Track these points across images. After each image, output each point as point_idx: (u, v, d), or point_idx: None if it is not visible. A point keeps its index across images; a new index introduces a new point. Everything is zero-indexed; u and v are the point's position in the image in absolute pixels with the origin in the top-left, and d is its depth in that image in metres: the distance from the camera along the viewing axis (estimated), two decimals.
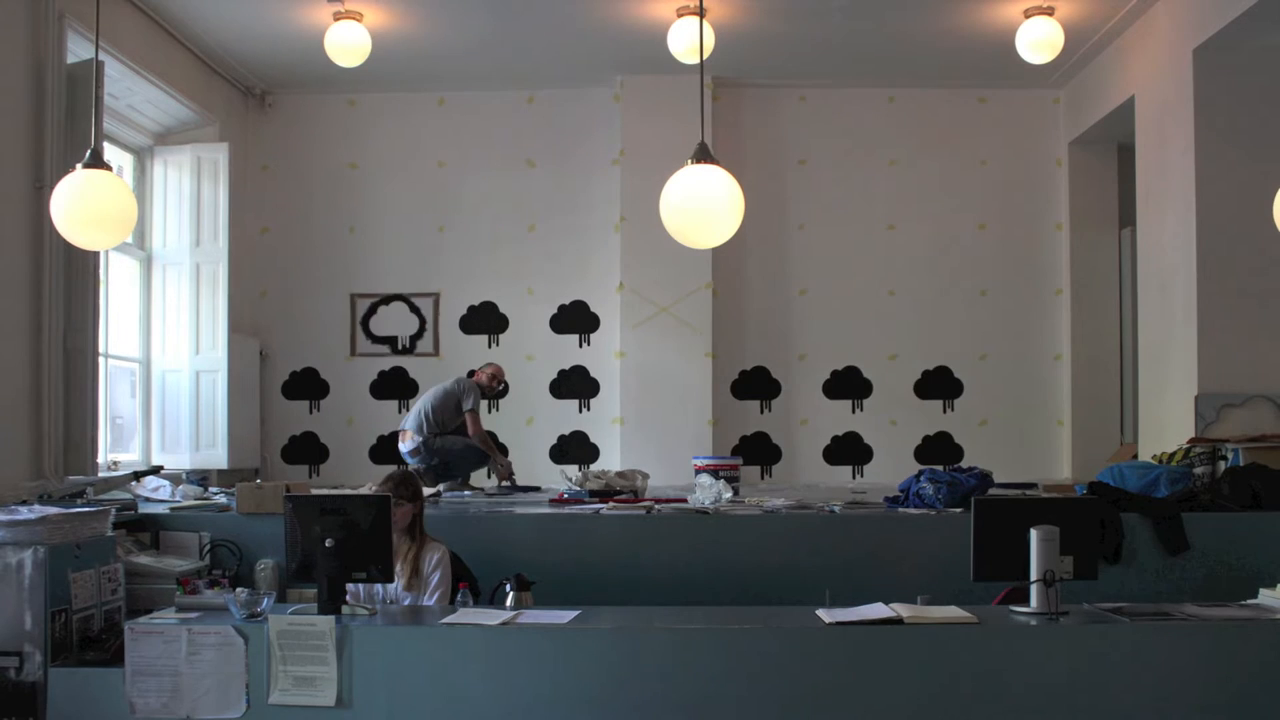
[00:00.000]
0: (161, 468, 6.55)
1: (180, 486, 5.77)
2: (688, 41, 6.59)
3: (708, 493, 5.26)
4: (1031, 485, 6.26)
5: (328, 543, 3.45)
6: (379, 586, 4.02)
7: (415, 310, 8.38)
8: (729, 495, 5.31)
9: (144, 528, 4.80)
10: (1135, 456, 6.76)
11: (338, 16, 6.80)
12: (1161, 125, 6.76)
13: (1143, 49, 6.98)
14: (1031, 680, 3.25)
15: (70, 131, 5.67)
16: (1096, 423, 8.02)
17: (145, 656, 3.32)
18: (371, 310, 8.37)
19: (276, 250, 8.38)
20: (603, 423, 8.29)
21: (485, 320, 8.38)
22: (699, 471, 6.25)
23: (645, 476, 5.91)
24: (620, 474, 5.88)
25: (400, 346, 8.37)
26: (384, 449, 8.28)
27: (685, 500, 5.35)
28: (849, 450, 8.34)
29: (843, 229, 8.38)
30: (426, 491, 5.62)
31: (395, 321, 8.39)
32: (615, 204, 8.17)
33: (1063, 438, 8.28)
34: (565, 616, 3.45)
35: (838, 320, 8.35)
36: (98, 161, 4.18)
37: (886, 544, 4.77)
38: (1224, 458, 5.72)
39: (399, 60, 7.62)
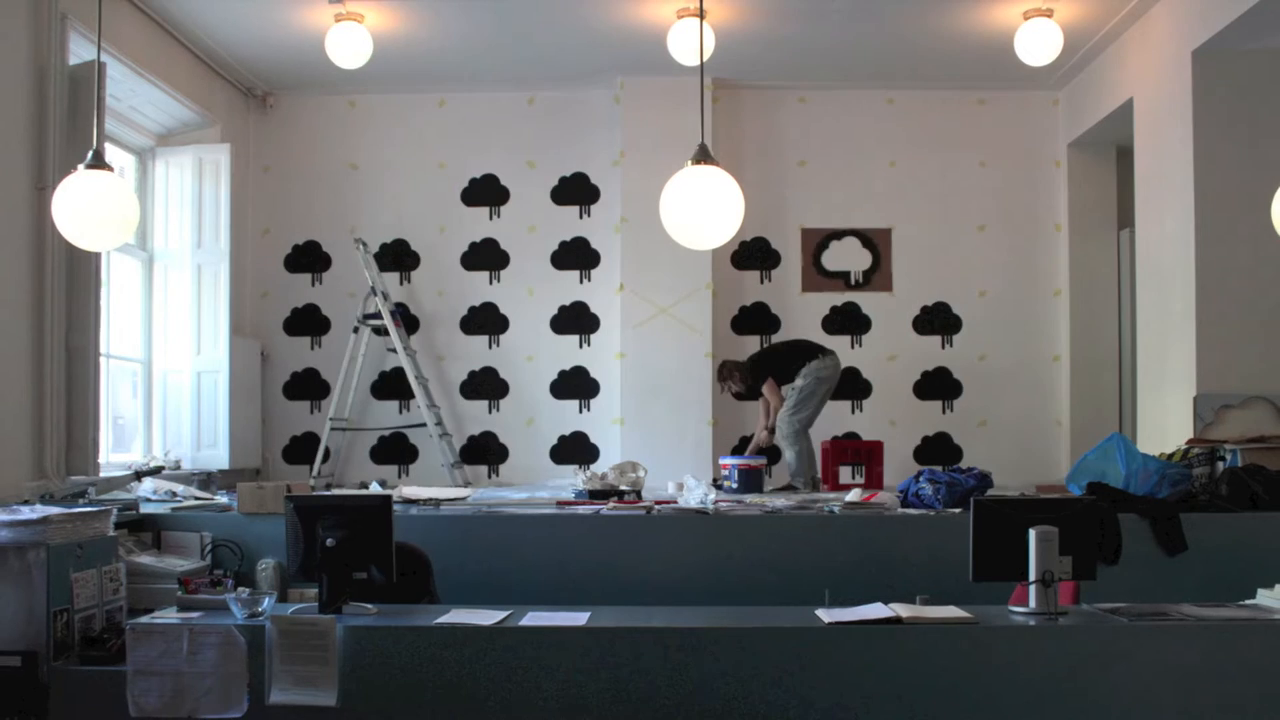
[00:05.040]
0: (163, 468, 6.57)
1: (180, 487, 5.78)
2: (688, 43, 6.60)
3: (694, 494, 5.27)
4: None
5: (329, 543, 3.46)
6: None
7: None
8: (713, 497, 5.33)
9: (145, 528, 4.82)
10: None
11: (339, 18, 6.81)
12: (1160, 127, 6.77)
13: (1142, 51, 6.99)
14: (1030, 680, 3.26)
15: (72, 132, 5.67)
16: (1096, 423, 8.01)
17: (146, 656, 3.33)
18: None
19: (277, 251, 8.40)
20: (603, 423, 8.30)
21: (485, 320, 8.39)
22: (725, 470, 6.38)
23: (644, 469, 5.91)
24: (617, 468, 5.89)
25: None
26: (384, 449, 8.29)
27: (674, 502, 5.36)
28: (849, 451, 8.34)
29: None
30: (454, 493, 5.61)
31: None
32: (615, 204, 8.20)
33: (1062, 438, 8.29)
34: (566, 618, 3.46)
35: None
36: (99, 162, 4.20)
37: (886, 544, 4.78)
38: (1223, 458, 5.73)
39: (400, 61, 7.64)
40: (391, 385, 8.33)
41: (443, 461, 7.89)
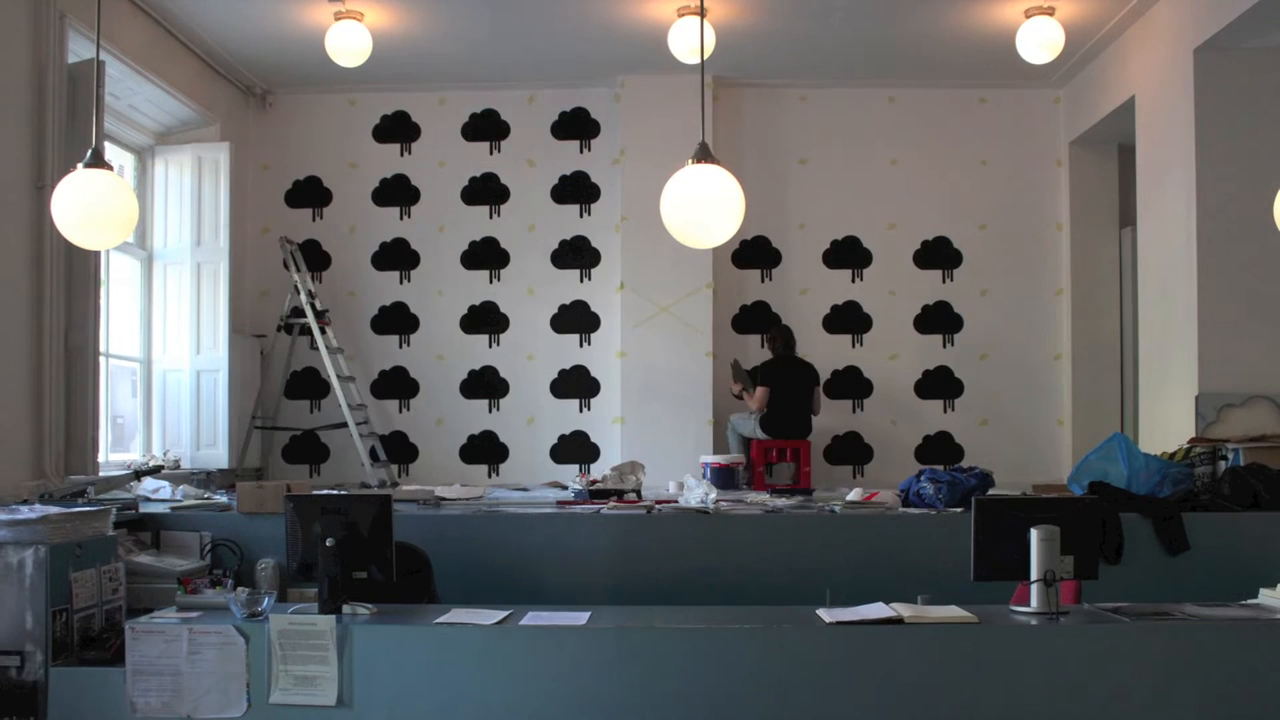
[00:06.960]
0: (162, 467, 6.56)
1: (180, 486, 5.77)
2: (688, 41, 6.60)
3: (694, 494, 5.26)
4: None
5: (328, 542, 3.45)
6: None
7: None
8: (714, 496, 5.31)
9: (145, 527, 4.80)
10: None
11: (338, 16, 6.80)
12: (1162, 125, 6.76)
13: (1143, 49, 6.98)
14: (1032, 680, 3.25)
15: (71, 131, 5.67)
16: (1096, 423, 8.01)
17: (146, 656, 3.32)
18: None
19: (277, 250, 8.38)
20: (603, 423, 8.29)
21: (486, 320, 8.38)
22: (713, 471, 6.48)
23: (641, 468, 5.90)
24: (617, 469, 5.87)
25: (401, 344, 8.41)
26: (383, 449, 8.28)
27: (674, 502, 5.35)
28: (849, 450, 8.34)
29: (843, 229, 8.39)
30: (472, 493, 5.60)
31: (395, 321, 8.43)
32: (616, 203, 8.19)
33: (1063, 438, 8.28)
34: (566, 618, 3.45)
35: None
36: (99, 161, 4.18)
37: (887, 544, 4.77)
38: (1224, 458, 5.72)
39: (399, 60, 7.63)
40: (394, 384, 8.35)
41: (361, 460, 7.80)
